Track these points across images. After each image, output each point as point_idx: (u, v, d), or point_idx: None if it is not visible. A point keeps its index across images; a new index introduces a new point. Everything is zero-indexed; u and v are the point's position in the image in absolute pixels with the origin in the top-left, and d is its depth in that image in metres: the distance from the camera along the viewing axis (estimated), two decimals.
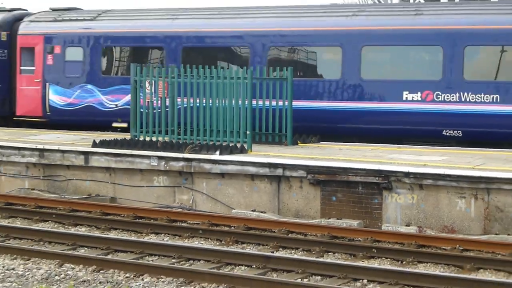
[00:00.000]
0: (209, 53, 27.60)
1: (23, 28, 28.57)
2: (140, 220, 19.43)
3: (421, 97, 24.53)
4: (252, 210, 20.40)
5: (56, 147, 23.50)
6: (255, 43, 27.19)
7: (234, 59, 27.51)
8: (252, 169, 20.74)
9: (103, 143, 23.44)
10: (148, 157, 22.11)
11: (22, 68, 27.19)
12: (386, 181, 19.12)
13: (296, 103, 24.51)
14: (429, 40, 25.00)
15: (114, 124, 27.26)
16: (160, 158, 21.96)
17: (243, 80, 22.94)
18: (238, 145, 22.49)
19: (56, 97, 26.01)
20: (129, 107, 24.70)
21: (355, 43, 25.46)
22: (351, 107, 25.43)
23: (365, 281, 14.11)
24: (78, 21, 28.11)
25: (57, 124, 27.18)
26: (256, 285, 13.59)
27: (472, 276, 14.56)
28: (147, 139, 23.74)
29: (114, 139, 23.95)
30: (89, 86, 26.74)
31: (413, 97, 24.56)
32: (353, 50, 25.52)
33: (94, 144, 23.39)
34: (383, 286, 13.77)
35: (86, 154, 22.93)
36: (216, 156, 21.57)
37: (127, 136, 24.30)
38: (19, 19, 29.42)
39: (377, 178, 19.24)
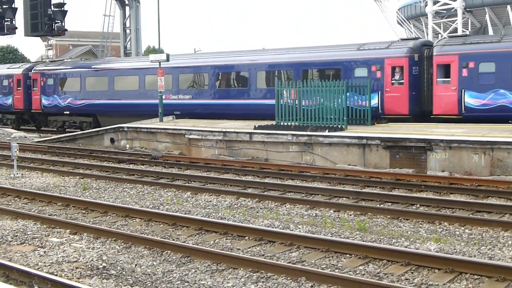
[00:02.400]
0: None
1: (437, 50, 24.22)
2: (282, 171, 19.42)
3: None
4: (348, 164, 20.19)
5: (233, 130, 23.70)
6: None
7: None
8: (348, 140, 20.49)
9: (260, 127, 23.51)
10: (286, 134, 22.08)
11: (438, 79, 23.58)
12: (429, 145, 18.64)
13: None
14: None
15: None
16: (293, 135, 21.90)
17: (341, 88, 22.71)
18: (339, 126, 22.27)
19: (471, 100, 22.80)
20: None
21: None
22: None
23: (418, 205, 13.86)
24: (486, 43, 23.94)
25: (470, 120, 23.04)
26: (352, 208, 13.51)
27: (484, 201, 14.15)
28: (286, 123, 23.76)
29: (266, 124, 24.01)
30: (502, 91, 22.62)
31: None
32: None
33: (255, 128, 23.47)
34: (429, 208, 13.51)
35: (250, 133, 23.02)
36: (326, 133, 21.41)
37: (274, 122, 24.35)
38: (424, 44, 25.67)
39: (423, 143, 18.78)
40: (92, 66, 36.38)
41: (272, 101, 25.21)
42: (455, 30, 61.61)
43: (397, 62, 24.72)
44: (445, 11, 63.36)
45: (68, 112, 36.29)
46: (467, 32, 61.24)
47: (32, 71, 38.93)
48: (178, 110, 31.00)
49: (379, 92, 24.72)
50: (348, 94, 23.08)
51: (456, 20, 61.71)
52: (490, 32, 58.98)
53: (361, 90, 23.59)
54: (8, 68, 42.04)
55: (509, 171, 17.27)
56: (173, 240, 10.91)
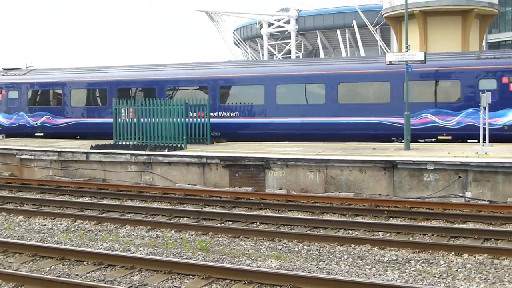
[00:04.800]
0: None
1: None
2: (121, 192, 19.02)
3: None
4: (188, 184, 20.17)
5: (68, 149, 22.86)
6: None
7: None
8: (187, 159, 20.46)
9: (97, 146, 22.87)
10: (124, 154, 21.65)
11: None
12: (267, 163, 19.08)
13: None
14: None
15: None
16: (131, 154, 21.51)
17: (180, 107, 22.69)
18: (179, 145, 22.22)
19: None
20: None
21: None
22: None
23: (258, 223, 14.11)
24: None
25: None
26: (194, 228, 13.47)
27: (320, 217, 14.70)
28: (124, 143, 23.30)
29: (104, 144, 23.40)
30: None
31: None
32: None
33: (92, 147, 22.80)
34: (269, 226, 13.78)
35: (87, 153, 22.31)
36: (165, 152, 21.27)
37: (112, 141, 23.79)
38: None
39: (261, 162, 19.18)
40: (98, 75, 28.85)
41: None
42: (289, 52, 64.24)
43: None
44: (279, 34, 65.90)
45: (42, 134, 28.92)
46: (300, 55, 64.13)
47: None
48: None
49: None
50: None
51: (290, 42, 64.36)
52: (321, 54, 62.01)
53: (201, 109, 23.66)
54: None
55: (342, 187, 18.10)
56: (5, 268, 10.26)
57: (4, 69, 31.26)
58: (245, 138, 24.73)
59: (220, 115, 25.16)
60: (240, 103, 25.05)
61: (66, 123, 28.19)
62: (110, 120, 24.73)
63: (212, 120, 24.24)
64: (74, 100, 28.40)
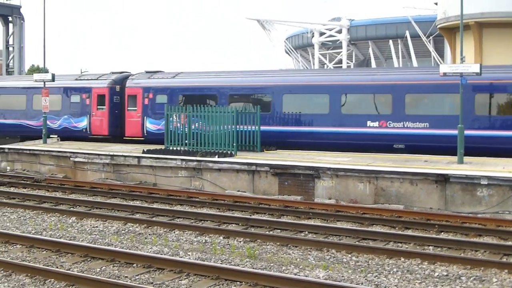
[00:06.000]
0: None
1: None
2: (171, 196, 19.18)
3: None
4: (237, 191, 20.22)
5: (121, 153, 23.19)
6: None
7: None
8: (237, 166, 20.52)
9: (149, 151, 23.15)
10: (175, 159, 21.84)
11: None
12: (316, 172, 18.99)
13: None
14: None
15: None
16: (182, 160, 21.69)
17: (230, 113, 22.80)
18: (229, 152, 22.31)
19: None
20: None
21: None
22: None
23: (306, 232, 14.05)
24: None
25: None
26: (242, 235, 13.49)
27: (369, 229, 14.54)
28: (175, 148, 23.52)
29: (155, 149, 23.68)
30: None
31: None
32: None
33: (143, 152, 23.08)
34: (317, 235, 13.71)
35: (139, 157, 22.60)
36: (216, 158, 21.38)
37: (163, 146, 24.04)
38: None
39: (311, 171, 19.10)
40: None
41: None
42: (340, 61, 63.96)
43: None
44: (331, 43, 65.64)
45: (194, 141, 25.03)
46: (351, 64, 63.78)
47: (128, 84, 29.03)
48: None
49: None
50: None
51: (341, 51, 64.06)
52: (373, 64, 61.54)
53: (251, 117, 23.66)
54: (78, 79, 30.68)
55: (392, 199, 17.88)
56: (57, 267, 10.46)
57: (147, 72, 29.53)
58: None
59: (405, 126, 22.85)
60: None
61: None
62: (273, 128, 24.10)
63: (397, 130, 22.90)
64: (233, 106, 24.87)
